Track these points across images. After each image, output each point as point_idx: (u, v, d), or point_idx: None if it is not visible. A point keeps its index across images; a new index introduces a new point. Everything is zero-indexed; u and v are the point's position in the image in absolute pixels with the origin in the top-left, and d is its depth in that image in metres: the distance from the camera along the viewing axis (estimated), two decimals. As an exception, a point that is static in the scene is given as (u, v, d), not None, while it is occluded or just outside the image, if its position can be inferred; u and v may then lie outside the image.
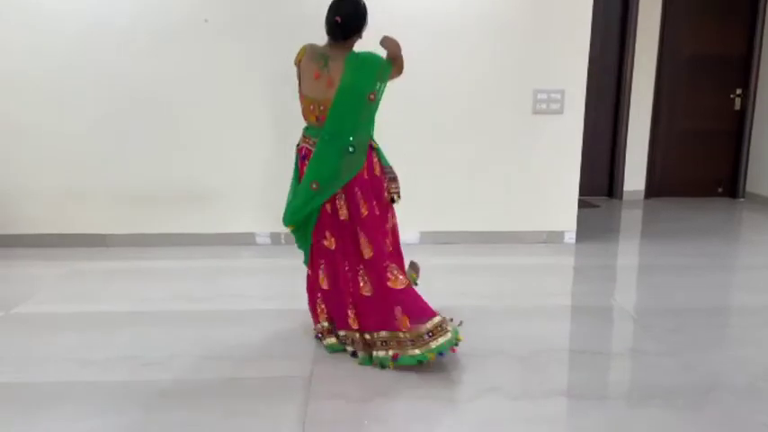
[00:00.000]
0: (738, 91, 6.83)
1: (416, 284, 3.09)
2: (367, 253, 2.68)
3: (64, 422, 2.23)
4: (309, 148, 2.73)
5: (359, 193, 2.69)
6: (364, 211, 2.69)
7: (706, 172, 7.04)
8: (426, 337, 2.59)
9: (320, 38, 2.76)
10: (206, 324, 3.20)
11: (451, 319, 2.77)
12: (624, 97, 6.77)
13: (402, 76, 2.80)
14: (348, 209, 2.71)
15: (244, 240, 4.81)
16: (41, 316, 3.34)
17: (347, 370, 2.66)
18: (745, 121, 6.84)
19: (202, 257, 4.51)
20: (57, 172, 4.65)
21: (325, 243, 2.78)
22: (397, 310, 2.64)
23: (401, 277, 2.71)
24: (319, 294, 2.85)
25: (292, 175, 2.87)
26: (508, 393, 2.44)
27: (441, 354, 2.59)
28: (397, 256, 2.96)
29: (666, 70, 6.74)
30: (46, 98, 4.55)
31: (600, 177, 7.02)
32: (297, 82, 2.81)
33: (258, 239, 4.81)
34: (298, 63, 2.78)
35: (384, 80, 2.70)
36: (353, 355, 2.77)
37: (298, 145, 2.83)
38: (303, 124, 2.83)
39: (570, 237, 4.93)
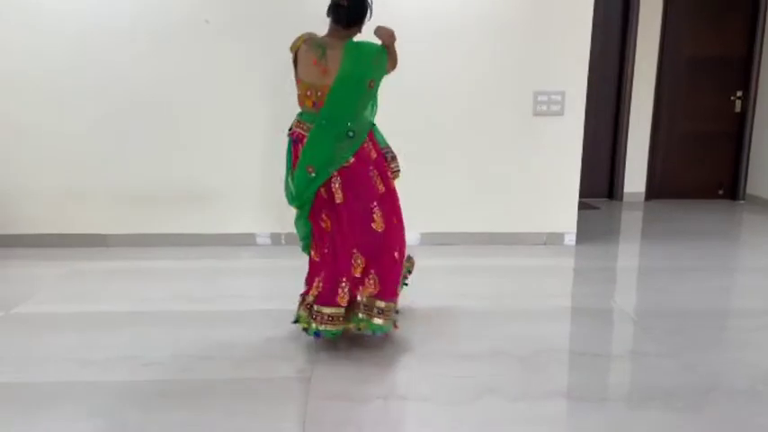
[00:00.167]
0: (739, 93, 6.83)
1: (406, 281, 3.18)
2: (379, 226, 2.79)
3: (64, 422, 2.23)
4: (303, 132, 2.76)
5: (373, 171, 2.80)
6: (381, 188, 2.82)
7: (706, 174, 7.04)
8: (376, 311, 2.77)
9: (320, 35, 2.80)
10: (206, 324, 3.20)
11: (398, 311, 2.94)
12: (624, 99, 6.77)
13: (397, 70, 2.85)
14: (351, 192, 2.76)
15: (244, 241, 4.81)
16: (41, 316, 3.34)
17: (347, 370, 2.66)
18: (745, 123, 6.85)
19: (202, 258, 4.51)
20: (57, 172, 4.65)
21: (323, 225, 2.83)
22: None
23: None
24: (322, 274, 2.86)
25: (286, 160, 2.90)
26: (508, 395, 2.44)
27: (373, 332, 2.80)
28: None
29: (667, 72, 6.75)
30: (46, 98, 4.55)
31: (600, 179, 7.02)
32: (293, 67, 2.83)
33: (258, 240, 4.81)
34: (295, 50, 2.79)
35: (381, 68, 2.74)
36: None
37: (290, 129, 2.86)
38: None
39: (570, 238, 4.93)
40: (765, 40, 6.64)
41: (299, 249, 3.08)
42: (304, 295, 2.89)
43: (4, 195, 4.66)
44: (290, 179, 2.87)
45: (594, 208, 6.53)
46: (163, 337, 3.02)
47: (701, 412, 2.32)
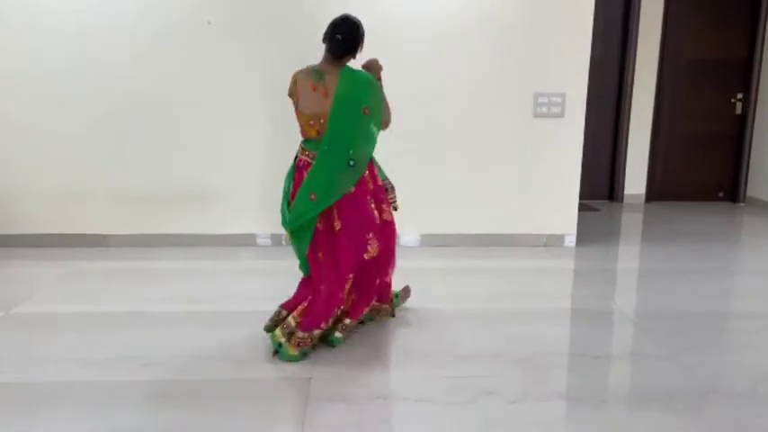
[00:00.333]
0: (739, 95, 6.84)
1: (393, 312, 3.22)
2: (371, 256, 2.87)
3: (64, 422, 2.23)
4: (309, 160, 2.81)
5: (371, 200, 2.89)
6: (378, 218, 2.90)
7: (707, 176, 7.04)
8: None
9: (319, 37, 2.85)
10: (206, 325, 3.20)
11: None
12: (625, 101, 6.78)
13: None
14: (348, 217, 2.82)
15: (244, 241, 4.81)
16: (41, 316, 3.34)
17: (346, 372, 2.66)
18: (745, 125, 6.85)
19: (203, 258, 4.51)
20: (57, 172, 4.66)
21: (319, 255, 2.89)
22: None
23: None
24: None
25: (284, 183, 2.92)
26: (507, 396, 2.44)
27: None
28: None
29: (667, 74, 6.75)
30: (46, 98, 4.55)
31: (600, 181, 7.03)
32: (294, 108, 2.87)
33: (259, 241, 4.81)
34: (292, 91, 2.86)
35: (375, 97, 2.81)
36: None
37: (296, 157, 2.89)
38: None
39: (570, 240, 4.93)
40: (766, 42, 6.65)
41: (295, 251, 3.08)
42: (288, 310, 2.94)
43: (5, 195, 4.67)
44: (285, 204, 2.90)
45: (595, 210, 6.53)
46: (163, 337, 3.02)
47: (700, 414, 2.32)
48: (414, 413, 2.34)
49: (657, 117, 6.85)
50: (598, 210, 6.57)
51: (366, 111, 2.76)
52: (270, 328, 2.92)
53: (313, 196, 2.75)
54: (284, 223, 2.91)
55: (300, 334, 2.74)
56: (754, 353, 2.91)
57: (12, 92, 4.54)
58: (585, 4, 4.56)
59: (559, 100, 4.69)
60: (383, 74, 2.96)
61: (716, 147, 6.98)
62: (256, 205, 4.74)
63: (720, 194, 7.10)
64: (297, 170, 2.85)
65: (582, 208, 5.13)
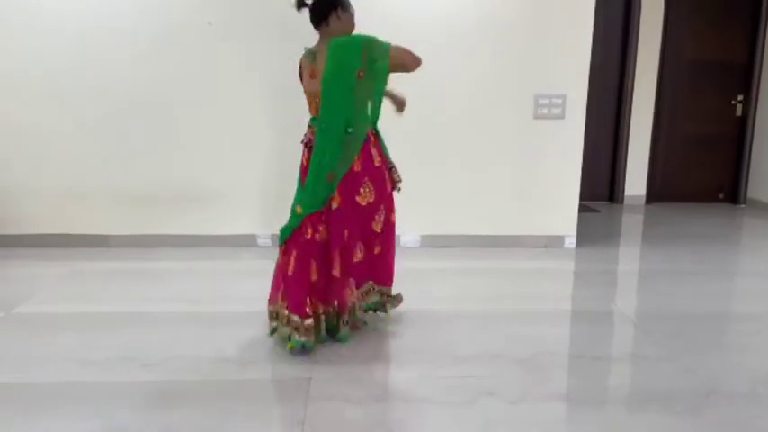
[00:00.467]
0: (740, 97, 6.84)
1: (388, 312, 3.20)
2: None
3: (64, 422, 2.23)
4: (311, 136, 2.81)
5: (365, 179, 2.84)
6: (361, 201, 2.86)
7: (707, 178, 7.05)
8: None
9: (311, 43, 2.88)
10: (206, 325, 3.20)
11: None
12: (625, 103, 6.78)
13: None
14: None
15: (245, 242, 4.81)
16: (42, 316, 3.34)
17: (346, 372, 2.66)
18: (746, 127, 6.86)
19: (203, 259, 4.51)
20: (57, 172, 4.66)
21: (317, 237, 2.81)
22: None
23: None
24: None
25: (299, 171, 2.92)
26: (507, 397, 2.44)
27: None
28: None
29: (668, 75, 6.76)
30: (46, 98, 4.56)
31: (601, 182, 7.03)
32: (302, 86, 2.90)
33: (260, 241, 4.81)
34: (299, 74, 2.90)
35: (375, 56, 2.70)
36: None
37: (305, 135, 2.90)
38: (303, 122, 2.91)
39: (570, 241, 4.93)
40: (766, 44, 6.65)
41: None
42: (273, 303, 2.92)
43: (5, 195, 4.67)
44: (298, 185, 2.88)
45: (595, 211, 6.53)
46: (163, 337, 3.02)
47: (700, 415, 2.32)
48: (414, 413, 2.34)
49: (658, 118, 6.85)
50: (598, 211, 6.57)
51: (361, 74, 2.67)
52: (273, 329, 2.91)
53: (330, 176, 2.74)
54: (306, 209, 2.78)
55: (293, 317, 2.75)
56: (755, 354, 2.91)
57: (12, 92, 4.54)
58: (586, 5, 4.57)
59: (560, 101, 4.69)
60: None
61: (716, 148, 6.98)
62: (257, 206, 4.74)
63: (721, 196, 7.11)
64: (305, 149, 2.86)
65: (582, 209, 5.13)
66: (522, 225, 4.90)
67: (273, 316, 2.91)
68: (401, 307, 3.26)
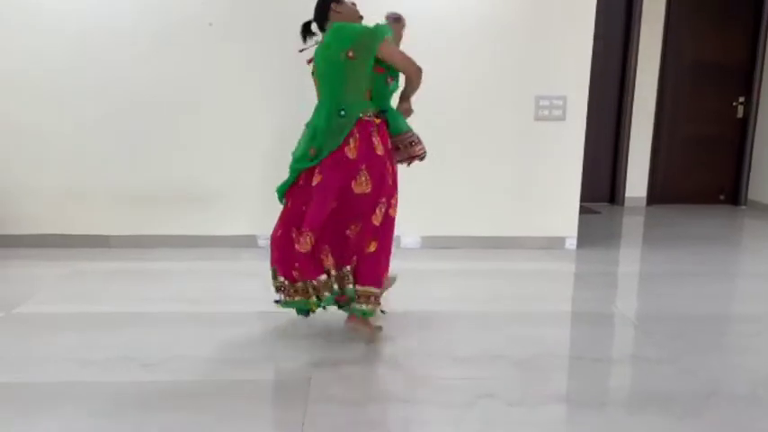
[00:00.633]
0: (741, 99, 6.85)
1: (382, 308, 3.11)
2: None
3: (64, 422, 2.23)
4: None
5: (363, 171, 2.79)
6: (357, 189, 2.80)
7: (708, 179, 7.05)
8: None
9: (320, 38, 2.91)
10: (206, 326, 3.20)
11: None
12: (626, 104, 6.78)
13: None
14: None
15: (245, 243, 4.80)
16: (42, 316, 3.34)
17: (346, 373, 2.65)
18: (747, 128, 6.86)
19: (203, 259, 4.51)
20: (57, 172, 4.66)
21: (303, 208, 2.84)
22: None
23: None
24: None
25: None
26: (507, 398, 2.43)
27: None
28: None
29: (669, 77, 6.76)
30: (46, 98, 4.56)
31: (601, 183, 7.03)
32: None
33: (260, 242, 4.80)
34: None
35: (363, 41, 2.72)
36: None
37: None
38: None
39: (571, 243, 4.93)
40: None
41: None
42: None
43: (5, 195, 4.67)
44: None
45: (596, 212, 6.53)
46: (163, 337, 3.02)
47: (701, 417, 2.32)
48: (413, 414, 2.34)
49: (659, 120, 6.85)
50: (599, 212, 6.57)
51: (350, 54, 2.69)
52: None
53: (313, 151, 2.78)
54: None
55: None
56: (755, 356, 2.90)
57: (12, 92, 4.54)
58: (587, 6, 4.56)
59: (561, 103, 4.69)
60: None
61: (717, 150, 6.98)
62: (257, 206, 4.73)
63: (721, 197, 7.11)
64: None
65: (583, 211, 5.13)
66: (522, 226, 4.89)
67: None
68: (401, 307, 3.26)
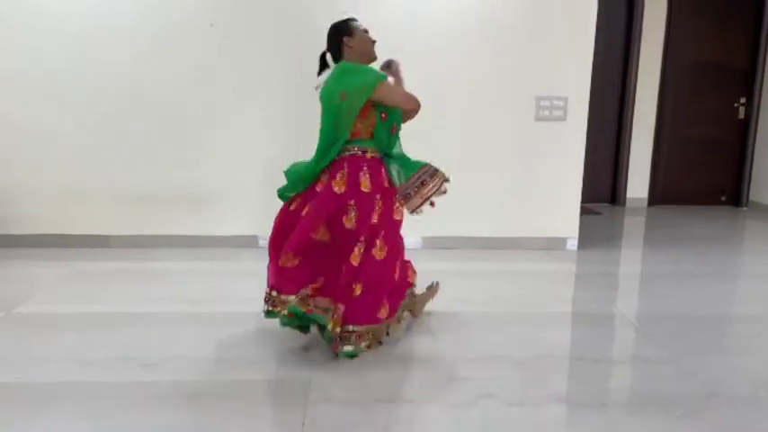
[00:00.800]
0: (742, 100, 6.85)
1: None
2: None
3: (64, 422, 2.22)
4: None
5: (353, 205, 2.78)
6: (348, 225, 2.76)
7: (709, 180, 7.04)
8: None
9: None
10: (206, 326, 3.19)
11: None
12: (628, 104, 6.78)
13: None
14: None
15: (245, 243, 4.80)
16: (42, 316, 3.33)
17: (347, 374, 2.65)
18: (748, 129, 6.85)
19: (203, 259, 4.51)
20: (57, 172, 4.65)
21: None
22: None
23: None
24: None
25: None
26: (507, 399, 2.43)
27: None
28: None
29: (670, 78, 6.76)
30: (46, 98, 4.56)
31: (603, 184, 7.03)
32: None
33: (261, 242, 4.80)
34: None
35: (352, 80, 2.74)
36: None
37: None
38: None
39: (572, 243, 4.93)
40: (768, 46, 6.65)
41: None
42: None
43: (5, 195, 4.67)
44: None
45: (597, 213, 6.53)
46: (163, 337, 3.02)
47: (701, 418, 2.31)
48: (413, 415, 2.34)
49: (660, 121, 6.85)
50: (600, 213, 6.57)
51: (344, 95, 2.70)
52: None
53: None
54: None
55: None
56: (756, 357, 2.90)
57: (12, 92, 4.54)
58: (588, 7, 4.56)
59: (561, 103, 4.69)
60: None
61: (718, 151, 6.98)
62: (257, 206, 4.72)
63: (723, 198, 7.10)
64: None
65: (584, 211, 5.12)
66: (523, 227, 4.89)
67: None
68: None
